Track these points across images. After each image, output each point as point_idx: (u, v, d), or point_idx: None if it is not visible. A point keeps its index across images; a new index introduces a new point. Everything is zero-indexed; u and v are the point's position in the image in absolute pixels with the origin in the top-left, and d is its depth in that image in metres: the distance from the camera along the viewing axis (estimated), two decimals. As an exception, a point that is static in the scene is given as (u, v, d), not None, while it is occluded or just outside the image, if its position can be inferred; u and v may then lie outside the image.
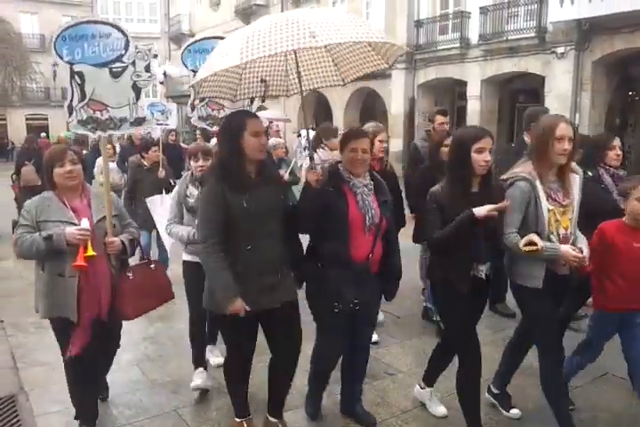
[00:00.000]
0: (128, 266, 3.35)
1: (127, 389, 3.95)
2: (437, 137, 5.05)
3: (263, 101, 4.10)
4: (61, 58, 3.21)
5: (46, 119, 36.76)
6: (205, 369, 3.98)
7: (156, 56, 3.61)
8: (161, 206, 5.75)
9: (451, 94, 19.38)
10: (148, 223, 5.99)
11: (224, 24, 28.99)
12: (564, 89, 14.15)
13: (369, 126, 4.63)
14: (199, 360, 4.00)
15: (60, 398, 3.76)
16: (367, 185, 3.17)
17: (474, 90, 16.79)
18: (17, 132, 33.95)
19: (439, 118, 5.62)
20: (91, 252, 2.98)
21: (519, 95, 18.57)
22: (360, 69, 3.38)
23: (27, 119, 36.03)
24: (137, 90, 3.31)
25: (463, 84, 17.31)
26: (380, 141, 4.62)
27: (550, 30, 14.19)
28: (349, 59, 3.38)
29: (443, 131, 5.45)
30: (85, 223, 3.02)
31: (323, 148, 5.65)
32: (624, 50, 13.14)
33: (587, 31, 13.57)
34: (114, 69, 3.25)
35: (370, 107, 22.13)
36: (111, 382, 3.92)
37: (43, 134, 15.96)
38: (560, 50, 14.00)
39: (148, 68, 3.29)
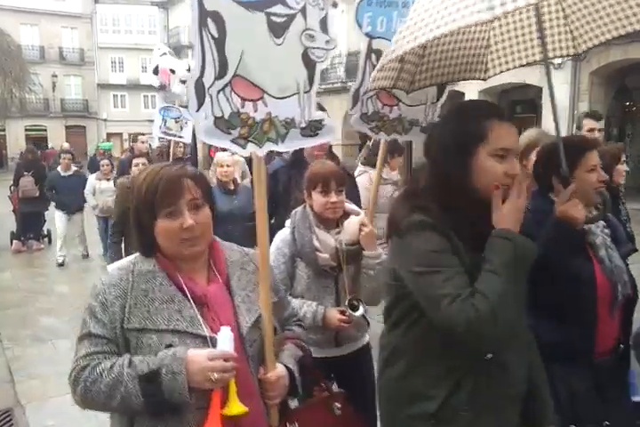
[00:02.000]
0: (290, 410, 1.72)
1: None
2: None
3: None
4: None
5: (45, 130, 36.89)
6: None
7: (335, 5, 1.74)
8: None
9: (449, 105, 19.45)
10: None
11: (223, 36, 29.30)
12: (561, 100, 14.20)
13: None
14: None
15: (56, 412, 3.72)
16: (604, 230, 2.04)
17: (472, 101, 16.86)
18: (16, 143, 34.00)
19: (588, 123, 4.14)
20: (238, 406, 1.41)
21: (517, 106, 18.65)
22: (612, 29, 1.99)
23: (26, 130, 36.12)
24: (310, 65, 1.66)
25: (461, 94, 17.38)
26: (622, 163, 3.32)
27: (547, 41, 14.28)
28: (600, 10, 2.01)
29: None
30: (227, 337, 1.43)
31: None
32: (620, 61, 13.22)
33: (583, 42, 13.66)
34: (273, 18, 1.59)
35: (368, 117, 22.18)
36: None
37: (50, 145, 15.14)
38: (557, 61, 14.07)
39: (324, 25, 1.65)
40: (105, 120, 38.47)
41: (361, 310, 2.32)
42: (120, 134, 38.36)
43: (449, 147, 1.51)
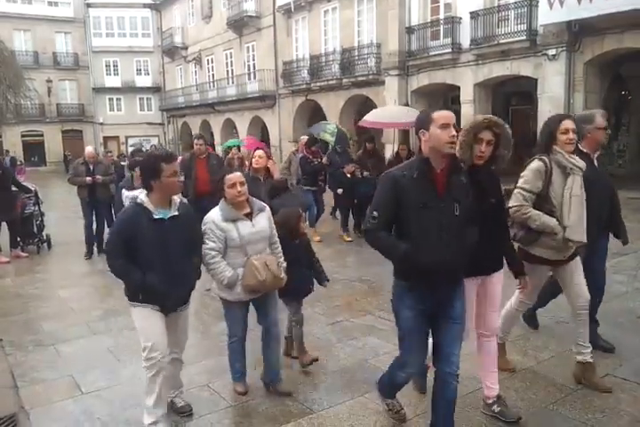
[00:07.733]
0: None
1: (127, 404, 3.90)
2: None
3: None
4: None
5: (42, 135, 36.90)
6: None
7: None
8: None
9: (444, 99, 19.44)
10: None
11: (217, 36, 29.24)
12: (556, 90, 14.19)
13: None
14: None
15: (60, 417, 3.73)
16: None
17: (467, 94, 16.83)
18: (13, 148, 33.99)
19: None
20: None
21: (512, 98, 18.66)
22: None
23: (22, 136, 36.12)
24: None
25: (456, 88, 17.36)
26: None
27: (541, 33, 14.25)
28: None
29: None
30: None
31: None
32: (615, 50, 13.20)
33: (577, 33, 13.63)
34: None
35: (364, 113, 22.15)
36: (111, 397, 3.89)
37: (94, 148, 11.24)
38: (551, 52, 14.05)
39: None
40: (101, 124, 38.45)
41: None
42: (117, 137, 38.36)
43: None
